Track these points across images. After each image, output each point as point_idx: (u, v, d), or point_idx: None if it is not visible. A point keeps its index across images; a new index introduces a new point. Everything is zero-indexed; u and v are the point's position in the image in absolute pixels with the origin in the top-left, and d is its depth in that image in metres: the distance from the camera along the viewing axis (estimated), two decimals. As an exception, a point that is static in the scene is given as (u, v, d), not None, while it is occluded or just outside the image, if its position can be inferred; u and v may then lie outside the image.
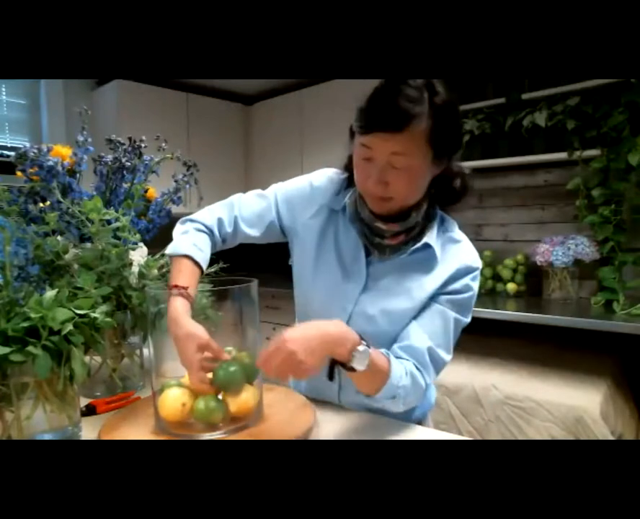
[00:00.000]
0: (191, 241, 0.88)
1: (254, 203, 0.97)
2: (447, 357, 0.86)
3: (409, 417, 0.94)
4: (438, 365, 0.85)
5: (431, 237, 0.86)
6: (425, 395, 0.90)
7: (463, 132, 0.87)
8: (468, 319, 0.88)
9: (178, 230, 0.93)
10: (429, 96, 0.75)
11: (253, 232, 0.96)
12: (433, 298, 0.86)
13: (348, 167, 0.90)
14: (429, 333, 0.84)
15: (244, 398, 0.78)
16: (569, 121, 2.08)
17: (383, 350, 0.81)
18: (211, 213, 0.95)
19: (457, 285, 0.85)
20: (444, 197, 0.89)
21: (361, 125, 0.77)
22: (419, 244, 0.85)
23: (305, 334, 0.72)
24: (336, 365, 0.76)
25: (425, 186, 0.83)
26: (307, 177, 0.98)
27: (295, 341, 0.70)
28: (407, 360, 0.83)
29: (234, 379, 0.77)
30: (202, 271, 0.88)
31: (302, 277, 0.97)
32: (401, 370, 0.80)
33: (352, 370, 0.74)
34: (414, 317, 0.86)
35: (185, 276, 0.83)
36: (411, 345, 0.84)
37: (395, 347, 0.85)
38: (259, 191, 1.00)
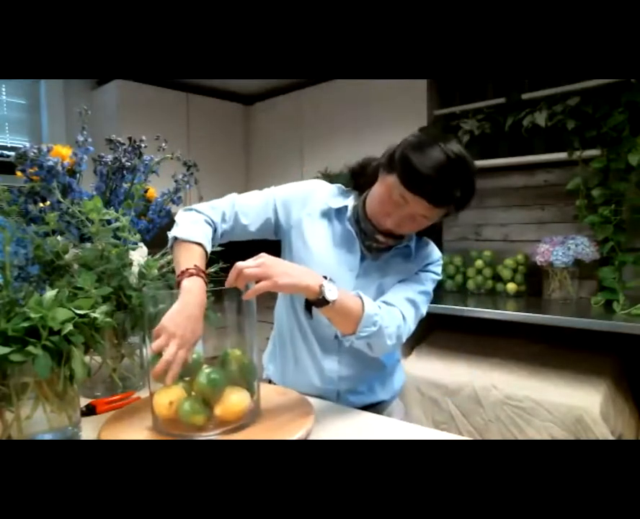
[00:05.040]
0: (202, 232, 0.92)
1: (253, 200, 1.04)
2: (421, 306, 0.99)
3: (395, 388, 1.12)
4: (415, 306, 0.97)
5: (411, 241, 1.01)
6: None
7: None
8: (430, 289, 1.02)
9: (186, 218, 0.95)
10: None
11: (251, 227, 1.02)
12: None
13: (355, 173, 1.02)
14: (402, 289, 0.98)
15: (233, 402, 0.78)
16: (569, 121, 2.08)
17: (352, 292, 0.90)
18: (214, 210, 0.99)
19: (427, 268, 1.03)
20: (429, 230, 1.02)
21: (410, 184, 0.83)
22: (401, 245, 1.00)
23: (281, 261, 0.84)
24: (313, 304, 0.84)
25: None
26: (301, 183, 1.09)
27: (274, 262, 0.82)
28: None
29: (214, 387, 0.77)
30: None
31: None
32: (373, 303, 0.90)
33: (325, 302, 0.81)
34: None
35: (201, 261, 0.87)
36: (384, 299, 0.96)
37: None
38: (256, 191, 1.06)
